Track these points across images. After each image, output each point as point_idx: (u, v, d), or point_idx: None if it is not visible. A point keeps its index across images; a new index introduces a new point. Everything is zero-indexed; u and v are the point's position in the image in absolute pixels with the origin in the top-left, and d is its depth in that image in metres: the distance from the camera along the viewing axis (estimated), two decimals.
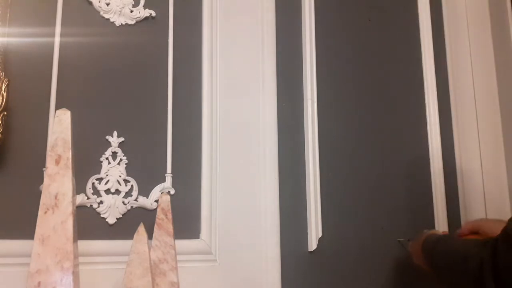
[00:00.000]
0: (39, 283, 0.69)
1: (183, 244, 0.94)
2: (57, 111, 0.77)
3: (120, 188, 0.95)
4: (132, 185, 0.96)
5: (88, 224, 0.90)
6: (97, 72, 0.97)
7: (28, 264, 0.70)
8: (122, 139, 0.97)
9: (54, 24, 0.95)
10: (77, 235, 0.74)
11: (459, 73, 1.36)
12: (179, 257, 0.87)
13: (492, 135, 1.33)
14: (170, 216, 0.87)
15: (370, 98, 1.24)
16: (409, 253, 1.07)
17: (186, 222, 0.99)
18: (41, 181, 0.80)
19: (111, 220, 0.93)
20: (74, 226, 0.72)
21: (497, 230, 0.86)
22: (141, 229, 0.81)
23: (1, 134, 0.84)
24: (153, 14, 1.03)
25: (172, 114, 1.02)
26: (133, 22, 1.02)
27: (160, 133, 1.00)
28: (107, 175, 0.94)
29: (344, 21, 1.26)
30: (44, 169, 0.87)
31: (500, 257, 0.73)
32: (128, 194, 0.96)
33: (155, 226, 0.87)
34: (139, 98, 1.00)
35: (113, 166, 0.95)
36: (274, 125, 1.09)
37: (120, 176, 0.95)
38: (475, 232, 0.97)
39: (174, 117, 1.02)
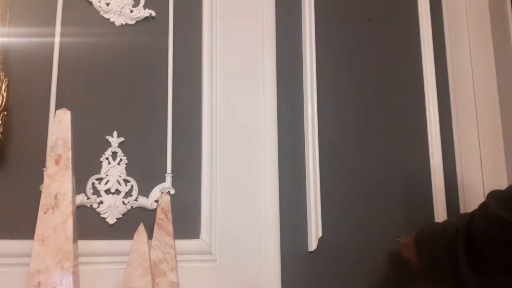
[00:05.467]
0: (39, 283, 0.69)
1: (183, 244, 0.94)
2: (57, 111, 0.77)
3: (120, 188, 0.95)
4: (132, 185, 0.96)
5: (88, 224, 0.90)
6: (97, 72, 0.97)
7: (28, 264, 0.70)
8: (122, 139, 0.97)
9: (54, 24, 0.95)
10: (77, 235, 0.75)
11: (459, 73, 1.36)
12: (179, 257, 0.87)
13: (492, 135, 1.33)
14: (170, 216, 0.87)
15: (370, 98, 1.24)
16: (400, 246, 1.08)
17: (186, 222, 0.99)
18: (41, 181, 0.80)
19: (111, 220, 0.93)
20: (74, 226, 0.72)
21: None
22: (141, 229, 0.81)
23: (1, 134, 0.84)
24: (153, 14, 1.04)
25: (172, 114, 1.02)
26: (133, 22, 1.02)
27: (160, 133, 1.01)
28: (107, 175, 0.94)
29: (344, 21, 1.26)
30: (44, 169, 0.87)
31: (474, 224, 0.77)
32: (128, 194, 0.96)
33: (155, 226, 0.87)
34: (139, 98, 1.00)
35: (113, 166, 0.95)
36: (274, 125, 1.09)
37: (120, 176, 0.95)
38: None
39: (174, 117, 1.02)
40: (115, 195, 0.94)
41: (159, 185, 0.98)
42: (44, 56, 0.93)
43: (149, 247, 0.82)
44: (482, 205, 0.77)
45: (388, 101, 1.27)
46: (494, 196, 0.76)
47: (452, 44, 1.38)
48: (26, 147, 0.89)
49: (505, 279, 0.75)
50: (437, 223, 1.03)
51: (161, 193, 0.95)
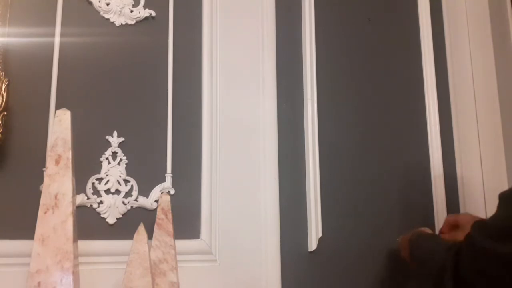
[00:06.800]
0: (39, 283, 0.69)
1: (183, 244, 0.94)
2: (57, 111, 0.77)
3: (120, 188, 0.95)
4: (132, 185, 0.96)
5: (88, 224, 0.90)
6: (97, 72, 0.97)
7: (28, 264, 0.70)
8: (122, 139, 0.97)
9: (54, 24, 0.95)
10: (77, 235, 0.75)
11: (459, 73, 1.36)
12: (179, 257, 0.87)
13: (492, 135, 1.33)
14: (170, 216, 0.87)
15: (370, 98, 1.24)
16: (398, 245, 1.08)
17: (186, 222, 0.99)
18: (41, 181, 0.80)
19: (111, 220, 0.93)
20: (74, 226, 0.72)
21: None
22: (141, 229, 0.81)
23: (1, 134, 0.84)
24: (153, 14, 1.03)
25: (172, 114, 1.02)
26: (133, 22, 1.02)
27: (160, 133, 1.00)
28: (107, 175, 0.94)
29: (344, 21, 1.26)
30: (44, 169, 0.87)
31: (462, 264, 0.74)
32: (128, 194, 0.96)
33: (155, 226, 0.87)
34: (139, 98, 1.00)
35: (113, 166, 0.95)
36: (274, 125, 1.09)
37: (120, 176, 0.95)
38: (455, 226, 1.01)
39: (174, 117, 1.02)
40: (115, 195, 0.94)
41: (159, 185, 0.98)
42: (44, 56, 0.93)
43: (149, 247, 0.82)
44: (468, 237, 0.75)
45: (388, 101, 1.27)
46: (479, 227, 0.74)
47: (452, 44, 1.38)
48: (26, 147, 0.89)
49: None
50: (428, 238, 0.98)
51: (161, 193, 0.95)
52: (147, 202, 0.96)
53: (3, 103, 0.84)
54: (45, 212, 0.72)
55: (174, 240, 0.86)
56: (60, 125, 0.75)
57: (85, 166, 0.91)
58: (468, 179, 1.30)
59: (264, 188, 1.05)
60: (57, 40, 0.94)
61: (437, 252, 0.83)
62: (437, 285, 0.78)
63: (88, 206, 0.92)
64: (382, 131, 1.24)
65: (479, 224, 0.75)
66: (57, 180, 0.73)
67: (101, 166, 0.94)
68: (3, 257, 0.83)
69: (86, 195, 0.92)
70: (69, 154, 0.74)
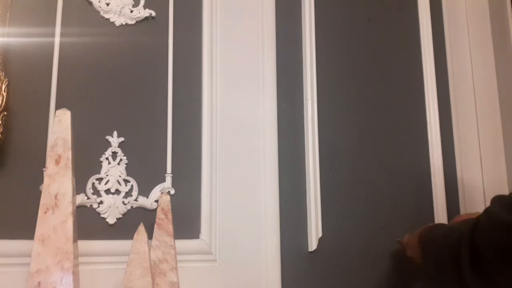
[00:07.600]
0: (39, 283, 0.69)
1: (183, 244, 0.94)
2: (57, 111, 0.77)
3: (120, 188, 0.95)
4: (132, 185, 0.96)
5: (88, 224, 0.90)
6: (97, 72, 0.97)
7: (28, 264, 0.70)
8: (122, 139, 0.97)
9: (54, 24, 0.95)
10: (77, 235, 0.75)
11: (459, 73, 1.36)
12: (179, 257, 0.87)
13: (492, 136, 1.33)
14: (170, 216, 0.87)
15: (370, 98, 1.24)
16: (402, 245, 1.08)
17: (186, 222, 0.99)
18: (41, 181, 0.80)
19: (111, 220, 0.93)
20: (74, 226, 0.72)
21: None
22: (141, 229, 0.81)
23: (1, 134, 0.84)
24: (153, 14, 1.04)
25: (172, 114, 1.02)
26: (133, 22, 1.02)
27: (160, 133, 1.00)
28: (107, 175, 0.94)
29: (344, 21, 1.26)
30: (44, 169, 0.87)
31: (479, 229, 0.75)
32: (128, 194, 0.96)
33: (155, 226, 0.87)
34: (139, 98, 1.00)
35: (113, 166, 0.95)
36: (274, 125, 1.09)
37: (120, 176, 0.95)
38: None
39: (174, 117, 1.02)
40: (115, 195, 0.94)
41: (159, 185, 0.98)
42: (44, 56, 0.93)
43: (149, 247, 0.82)
44: (486, 211, 0.75)
45: (388, 101, 1.27)
46: (499, 200, 0.74)
47: (452, 44, 1.38)
48: (26, 147, 0.89)
49: (510, 286, 0.73)
50: (441, 225, 1.01)
51: (161, 193, 0.95)
52: (147, 202, 0.96)
53: (3, 103, 0.84)
54: (45, 212, 0.72)
55: (174, 240, 0.86)
56: (60, 125, 0.75)
57: (85, 166, 0.91)
58: (468, 179, 1.30)
59: (264, 188, 1.05)
60: (57, 40, 0.94)
61: (455, 229, 0.84)
62: (455, 256, 0.78)
63: (88, 206, 0.92)
64: (382, 131, 1.24)
65: (498, 198, 0.76)
66: (57, 180, 0.73)
67: (101, 166, 0.94)
68: (3, 257, 0.83)
69: (86, 195, 0.92)
70: (69, 154, 0.74)
